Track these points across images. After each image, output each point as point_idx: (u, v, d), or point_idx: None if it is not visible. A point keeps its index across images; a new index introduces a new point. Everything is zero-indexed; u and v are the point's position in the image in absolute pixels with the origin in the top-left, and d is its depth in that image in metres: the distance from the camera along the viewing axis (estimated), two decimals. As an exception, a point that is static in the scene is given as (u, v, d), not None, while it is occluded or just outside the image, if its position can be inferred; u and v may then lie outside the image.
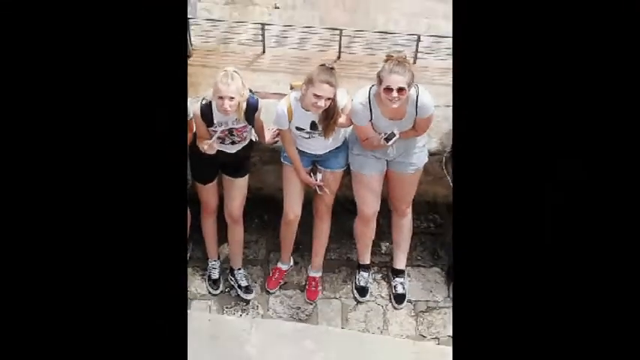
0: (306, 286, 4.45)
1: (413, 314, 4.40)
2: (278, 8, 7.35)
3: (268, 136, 4.11)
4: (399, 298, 4.41)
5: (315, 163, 4.16)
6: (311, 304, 4.42)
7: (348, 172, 4.19)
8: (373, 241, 4.39)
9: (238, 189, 4.18)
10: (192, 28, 6.44)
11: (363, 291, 4.43)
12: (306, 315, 4.40)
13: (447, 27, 6.70)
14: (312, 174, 4.15)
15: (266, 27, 6.51)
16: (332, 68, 3.77)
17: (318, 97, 3.71)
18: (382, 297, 4.45)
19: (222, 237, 4.42)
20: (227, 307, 4.41)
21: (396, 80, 3.65)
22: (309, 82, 3.73)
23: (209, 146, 3.90)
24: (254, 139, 4.16)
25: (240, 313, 4.39)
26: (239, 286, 4.41)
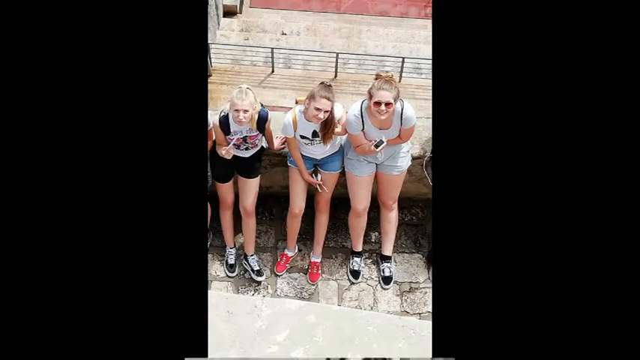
0: (309, 270, 4.44)
1: (398, 293, 4.39)
2: (285, 35, 7.36)
3: (277, 143, 4.10)
4: (387, 280, 4.40)
5: (316, 165, 4.15)
6: (312, 284, 4.42)
7: (343, 174, 4.18)
8: (365, 231, 4.38)
9: (251, 187, 4.17)
10: (212, 51, 6.46)
11: (356, 274, 4.42)
12: (309, 294, 4.39)
13: (427, 50, 6.74)
14: (313, 175, 4.15)
15: (275, 51, 6.54)
16: (330, 85, 3.76)
17: (318, 110, 3.70)
18: (372, 279, 4.44)
19: (238, 228, 4.41)
20: (242, 288, 4.40)
21: (384, 96, 3.64)
22: (311, 97, 3.73)
23: (227, 152, 3.89)
24: (265, 146, 4.15)
25: (252, 292, 4.38)
26: (252, 270, 4.40)
